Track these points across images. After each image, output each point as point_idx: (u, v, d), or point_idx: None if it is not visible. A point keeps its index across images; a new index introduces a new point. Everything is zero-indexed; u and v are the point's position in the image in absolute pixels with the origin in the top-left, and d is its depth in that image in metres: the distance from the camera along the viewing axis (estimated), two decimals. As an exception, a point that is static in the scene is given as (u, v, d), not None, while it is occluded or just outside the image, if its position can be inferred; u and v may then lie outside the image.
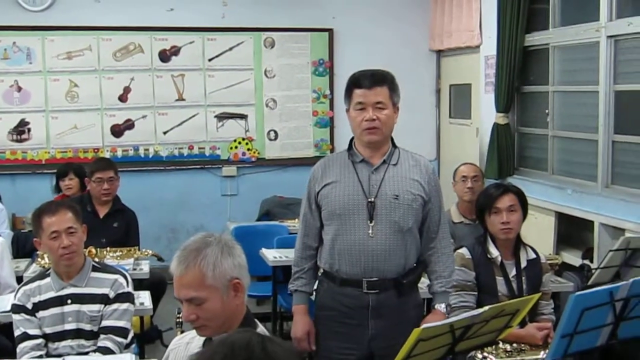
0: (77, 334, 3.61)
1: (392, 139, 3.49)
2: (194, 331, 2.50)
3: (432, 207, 3.47)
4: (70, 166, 6.31)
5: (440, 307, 3.48)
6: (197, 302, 2.36)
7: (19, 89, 7.50)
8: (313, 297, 3.60)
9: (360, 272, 3.36)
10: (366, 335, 3.39)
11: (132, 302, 3.74)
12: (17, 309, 3.62)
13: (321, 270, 3.56)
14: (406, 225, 3.38)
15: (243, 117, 8.04)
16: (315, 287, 3.60)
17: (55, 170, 6.48)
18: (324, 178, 3.46)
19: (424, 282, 3.64)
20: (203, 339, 2.47)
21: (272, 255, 5.40)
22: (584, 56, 6.08)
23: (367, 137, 3.37)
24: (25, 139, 7.54)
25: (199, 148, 7.96)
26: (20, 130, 7.53)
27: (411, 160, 3.47)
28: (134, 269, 4.85)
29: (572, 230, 6.22)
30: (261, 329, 2.48)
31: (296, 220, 6.47)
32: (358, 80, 3.37)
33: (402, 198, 3.37)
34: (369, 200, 3.35)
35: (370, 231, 3.34)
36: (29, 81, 7.52)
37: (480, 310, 2.94)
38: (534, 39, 6.70)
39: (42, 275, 3.71)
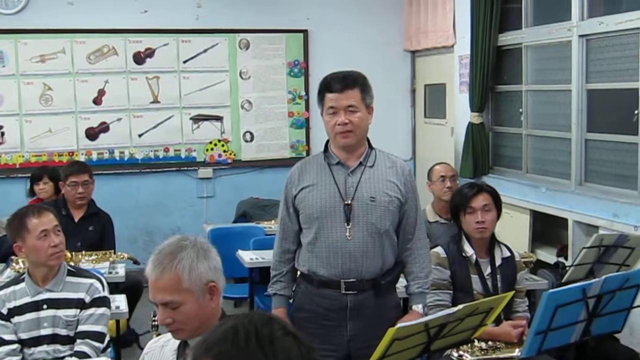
0: (53, 339, 3.59)
1: (368, 140, 3.50)
2: (169, 334, 2.49)
3: (409, 208, 3.49)
4: (44, 170, 6.26)
5: (418, 307, 3.49)
6: (172, 305, 2.35)
7: (-8, 92, 7.44)
8: (292, 300, 3.62)
9: (338, 274, 3.37)
10: (344, 337, 3.40)
11: (108, 307, 3.72)
12: (-8, 314, 3.59)
13: (299, 273, 3.57)
14: (383, 226, 3.39)
15: (218, 118, 8.03)
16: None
17: (29, 174, 6.43)
18: (301, 181, 3.47)
19: (401, 282, 3.66)
20: (178, 342, 2.47)
21: (248, 256, 5.40)
22: (557, 55, 6.13)
23: (341, 141, 3.38)
24: (-1, 143, 7.49)
25: (175, 150, 7.94)
26: (-6, 134, 7.47)
27: (387, 161, 3.49)
28: (110, 273, 4.83)
29: (547, 228, 6.28)
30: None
31: (273, 221, 6.46)
32: (329, 84, 3.37)
33: (378, 200, 3.38)
34: (346, 202, 3.36)
35: (347, 233, 3.35)
36: (2, 85, 7.45)
37: (455, 308, 2.96)
38: (507, 38, 6.75)
39: (16, 281, 3.69)
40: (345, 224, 3.35)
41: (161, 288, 2.35)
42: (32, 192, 6.19)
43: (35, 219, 3.58)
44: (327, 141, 3.50)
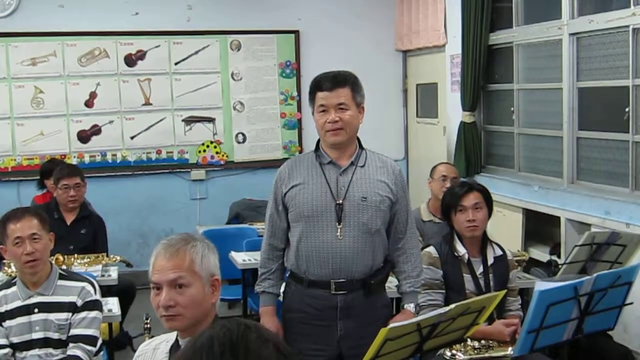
0: (45, 342, 3.58)
1: (359, 141, 3.50)
2: (162, 337, 2.49)
3: (400, 208, 3.49)
4: (54, 163, 6.22)
5: (410, 307, 3.50)
6: (181, 283, 2.36)
7: (-17, 96, 7.41)
8: (280, 299, 3.61)
9: (328, 274, 3.37)
10: (335, 336, 3.40)
11: (100, 310, 3.71)
12: (-17, 319, 3.58)
13: (288, 272, 3.56)
14: (374, 226, 3.39)
15: (211, 120, 8.02)
16: (282, 289, 3.61)
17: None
18: (291, 179, 3.46)
19: (392, 281, 3.66)
20: (170, 344, 2.46)
21: (241, 258, 5.39)
22: (548, 54, 6.15)
23: (330, 138, 3.38)
24: (-9, 147, 7.45)
25: (167, 152, 7.92)
26: (-15, 138, 7.44)
27: (378, 161, 3.49)
28: (102, 276, 4.81)
29: (539, 226, 6.29)
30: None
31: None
32: (320, 83, 3.39)
33: (370, 200, 3.38)
34: (337, 202, 3.36)
35: (338, 233, 3.35)
36: (-7, 88, 7.43)
37: (447, 308, 2.96)
38: (498, 37, 6.76)
39: (7, 284, 3.68)
40: (337, 223, 3.35)
41: (174, 266, 2.37)
42: (42, 185, 6.15)
43: (12, 225, 3.58)
44: (319, 140, 3.51)
